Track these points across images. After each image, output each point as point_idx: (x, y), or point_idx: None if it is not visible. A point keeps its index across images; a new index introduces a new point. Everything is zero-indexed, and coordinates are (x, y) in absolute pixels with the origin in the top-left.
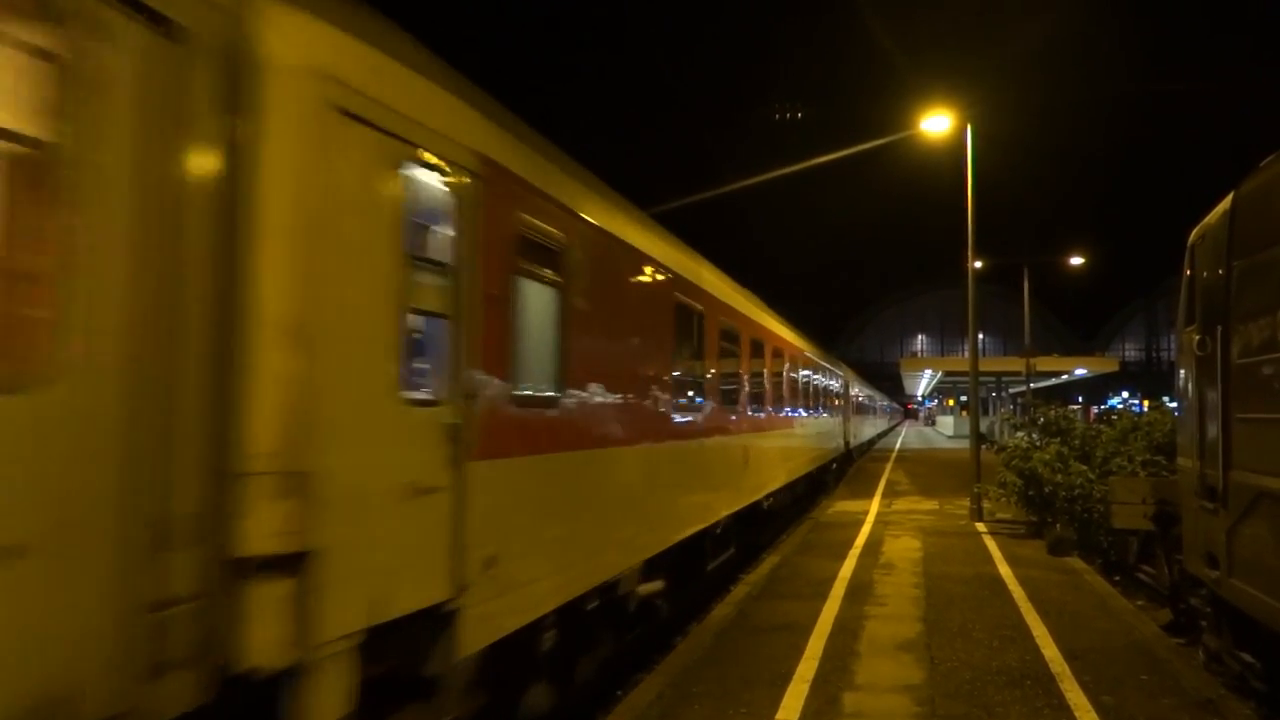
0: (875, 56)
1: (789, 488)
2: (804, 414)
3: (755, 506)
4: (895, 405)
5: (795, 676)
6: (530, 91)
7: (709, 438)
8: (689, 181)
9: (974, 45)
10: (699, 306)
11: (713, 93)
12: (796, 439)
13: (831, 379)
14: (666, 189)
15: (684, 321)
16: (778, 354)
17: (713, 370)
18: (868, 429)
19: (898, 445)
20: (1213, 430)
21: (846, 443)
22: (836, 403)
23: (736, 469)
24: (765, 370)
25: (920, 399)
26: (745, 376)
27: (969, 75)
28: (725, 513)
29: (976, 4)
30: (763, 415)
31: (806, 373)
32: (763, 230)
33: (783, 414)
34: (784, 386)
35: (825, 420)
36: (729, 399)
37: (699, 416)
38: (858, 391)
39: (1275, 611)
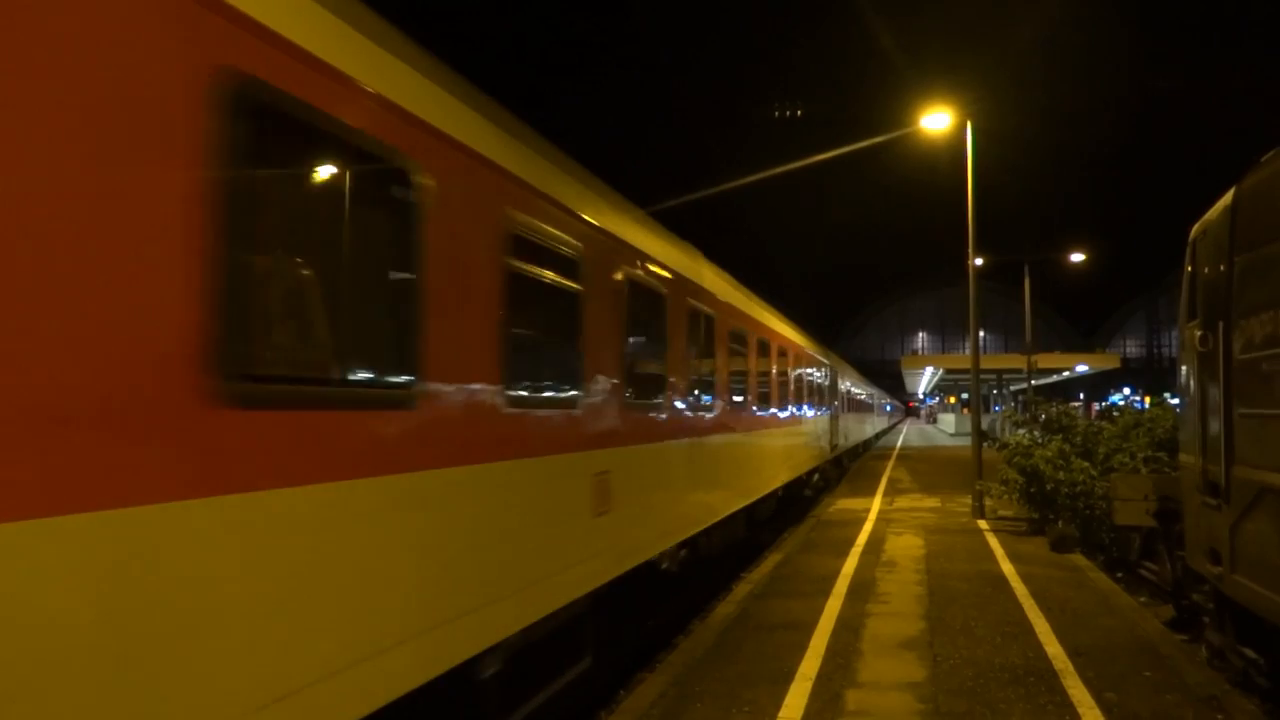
0: (875, 55)
1: (727, 524)
2: (762, 411)
3: (648, 568)
4: (896, 403)
5: (798, 674)
6: (531, 90)
7: (492, 462)
8: (690, 180)
9: (974, 43)
10: (463, 185)
11: (713, 91)
12: (742, 447)
13: (813, 368)
14: (668, 187)
15: (409, 216)
16: (709, 323)
17: (523, 322)
18: (864, 429)
19: (899, 443)
20: (1215, 426)
21: (834, 445)
22: (820, 398)
23: (573, 519)
24: (681, 343)
25: (921, 397)
26: (628, 346)
27: (969, 73)
28: (544, 610)
29: (976, 2)
30: (663, 414)
31: (768, 355)
32: (764, 229)
33: (715, 411)
34: (720, 371)
35: (801, 419)
36: (573, 383)
37: (445, 427)
38: (850, 385)
39: (1278, 607)
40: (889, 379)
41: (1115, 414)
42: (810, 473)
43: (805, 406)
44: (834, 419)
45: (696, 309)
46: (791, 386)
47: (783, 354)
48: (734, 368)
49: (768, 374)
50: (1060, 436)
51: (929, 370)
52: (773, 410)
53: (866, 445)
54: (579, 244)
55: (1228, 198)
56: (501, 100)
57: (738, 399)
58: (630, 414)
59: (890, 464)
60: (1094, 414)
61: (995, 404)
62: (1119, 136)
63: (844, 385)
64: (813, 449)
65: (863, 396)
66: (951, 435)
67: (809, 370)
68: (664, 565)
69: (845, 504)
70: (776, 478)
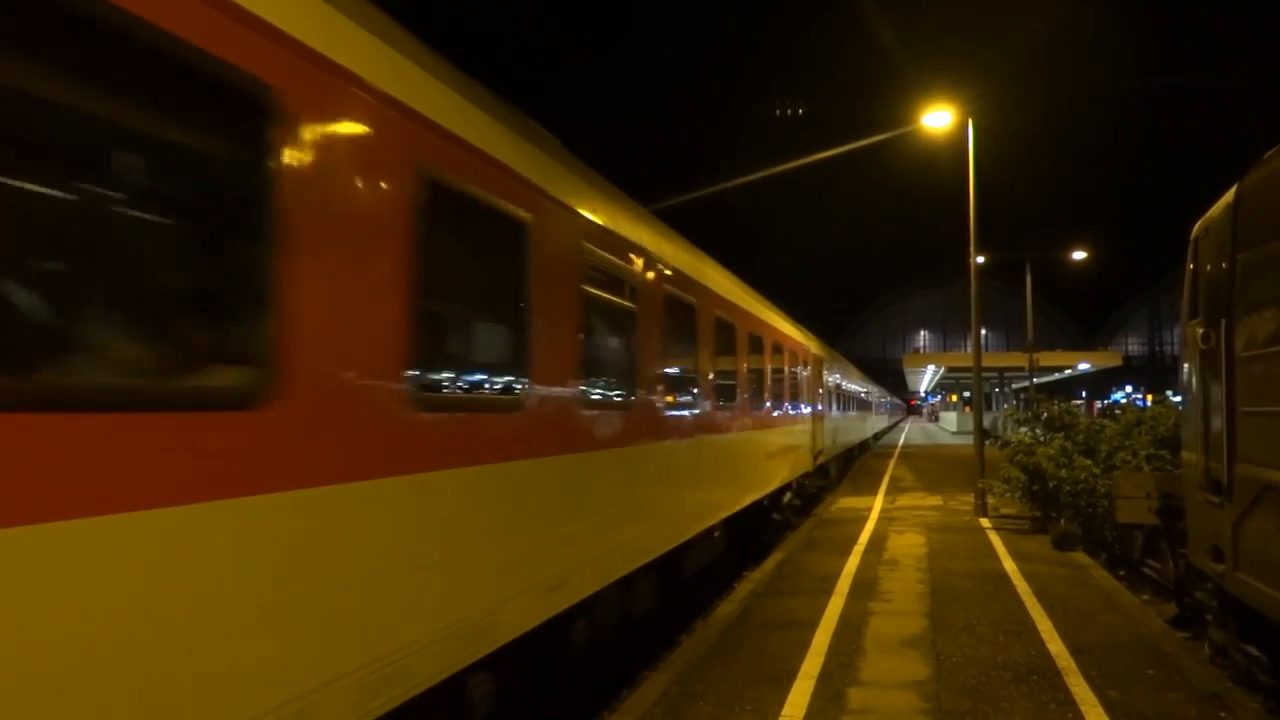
0: (876, 52)
1: (603, 603)
2: (680, 411)
3: None
4: (898, 401)
5: (801, 673)
6: (533, 88)
7: None
8: (691, 178)
9: (975, 39)
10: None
11: (714, 89)
12: (640, 469)
13: (784, 355)
14: (669, 186)
15: None
16: (535, 240)
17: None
18: (859, 430)
19: (901, 441)
20: (1217, 424)
21: (818, 452)
22: (797, 393)
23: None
24: (561, 308)
25: (923, 395)
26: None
27: (970, 70)
28: None
29: None
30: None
31: (693, 325)
32: (765, 228)
33: (542, 409)
34: (570, 339)
35: (765, 421)
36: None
37: None
38: (840, 379)
39: None
40: (891, 377)
41: (1117, 412)
42: (780, 490)
43: (770, 404)
44: (818, 419)
45: (480, 204)
46: (745, 377)
47: (724, 328)
48: (626, 339)
49: (695, 355)
50: (1062, 434)
51: (930, 368)
52: (705, 410)
53: (863, 447)
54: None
55: (1229, 195)
56: (500, 95)
57: (622, 391)
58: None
59: (892, 462)
60: (1096, 412)
61: (998, 402)
62: (1121, 133)
63: (832, 378)
64: (785, 459)
65: (857, 392)
66: (953, 433)
67: (778, 357)
68: None
69: (847, 502)
70: (717, 509)
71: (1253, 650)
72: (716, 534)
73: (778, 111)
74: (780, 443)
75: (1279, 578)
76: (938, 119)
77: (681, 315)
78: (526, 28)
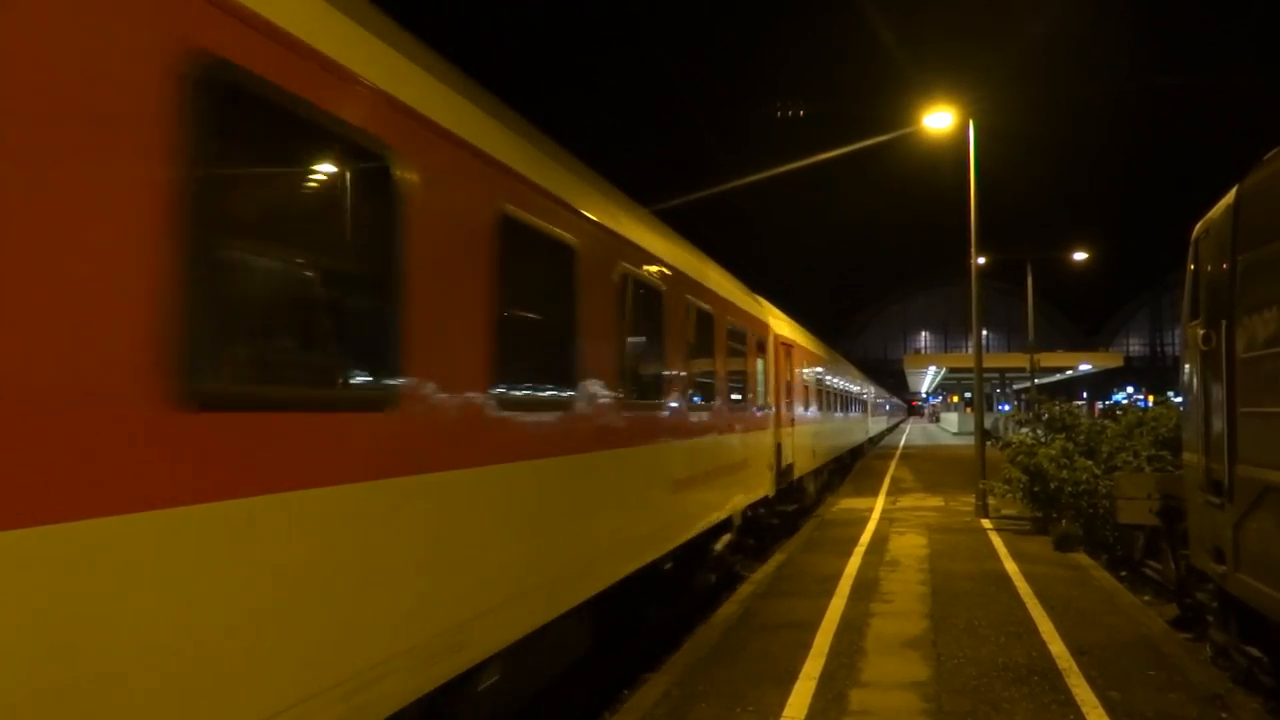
0: (878, 54)
1: None
2: (471, 412)
3: None
4: (898, 401)
5: (802, 674)
6: (534, 88)
7: None
8: (692, 179)
9: (976, 40)
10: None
11: (715, 90)
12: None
13: (730, 338)
14: (670, 187)
15: None
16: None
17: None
18: (853, 434)
19: (902, 443)
20: (1218, 425)
21: (785, 467)
22: (749, 388)
23: None
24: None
25: (924, 396)
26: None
27: (972, 71)
28: None
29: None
30: None
31: (552, 271)
32: (765, 229)
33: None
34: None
35: (675, 428)
36: None
37: None
38: (823, 373)
39: None
40: (892, 377)
41: (1119, 412)
42: (714, 531)
43: (683, 402)
44: (785, 425)
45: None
46: (623, 357)
47: (596, 276)
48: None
49: (482, 304)
50: (1063, 435)
51: (931, 369)
52: (514, 411)
53: (856, 454)
54: None
55: (1230, 196)
56: (500, 94)
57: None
58: None
59: (893, 463)
60: (1097, 413)
61: (999, 402)
62: (1122, 134)
63: (810, 370)
64: (720, 486)
65: (848, 389)
66: (954, 434)
67: (704, 330)
68: None
69: (848, 503)
70: (539, 606)
71: (1254, 651)
72: (528, 661)
73: (779, 113)
74: (707, 461)
75: None
76: (939, 120)
77: (439, 209)
78: (527, 27)
